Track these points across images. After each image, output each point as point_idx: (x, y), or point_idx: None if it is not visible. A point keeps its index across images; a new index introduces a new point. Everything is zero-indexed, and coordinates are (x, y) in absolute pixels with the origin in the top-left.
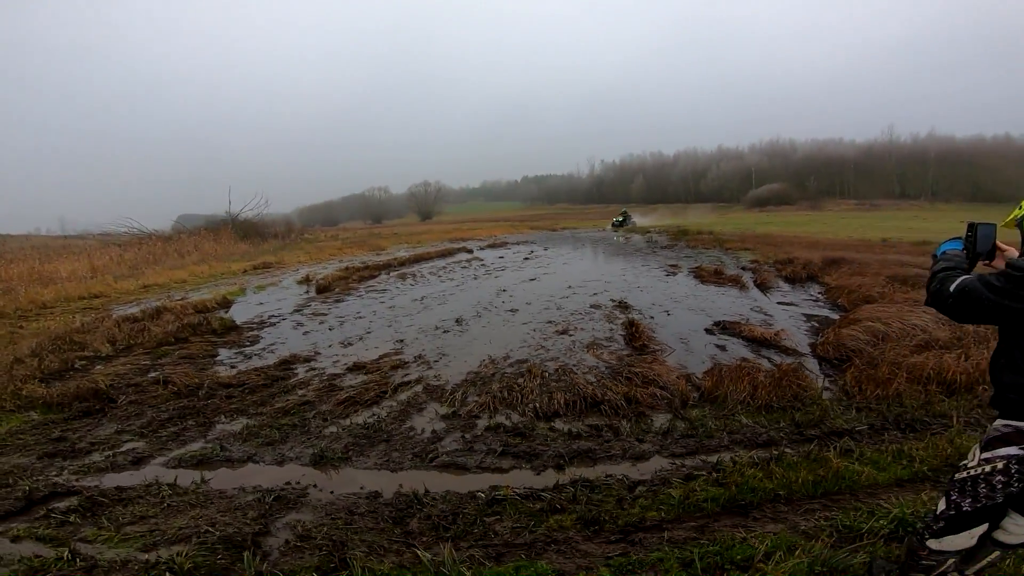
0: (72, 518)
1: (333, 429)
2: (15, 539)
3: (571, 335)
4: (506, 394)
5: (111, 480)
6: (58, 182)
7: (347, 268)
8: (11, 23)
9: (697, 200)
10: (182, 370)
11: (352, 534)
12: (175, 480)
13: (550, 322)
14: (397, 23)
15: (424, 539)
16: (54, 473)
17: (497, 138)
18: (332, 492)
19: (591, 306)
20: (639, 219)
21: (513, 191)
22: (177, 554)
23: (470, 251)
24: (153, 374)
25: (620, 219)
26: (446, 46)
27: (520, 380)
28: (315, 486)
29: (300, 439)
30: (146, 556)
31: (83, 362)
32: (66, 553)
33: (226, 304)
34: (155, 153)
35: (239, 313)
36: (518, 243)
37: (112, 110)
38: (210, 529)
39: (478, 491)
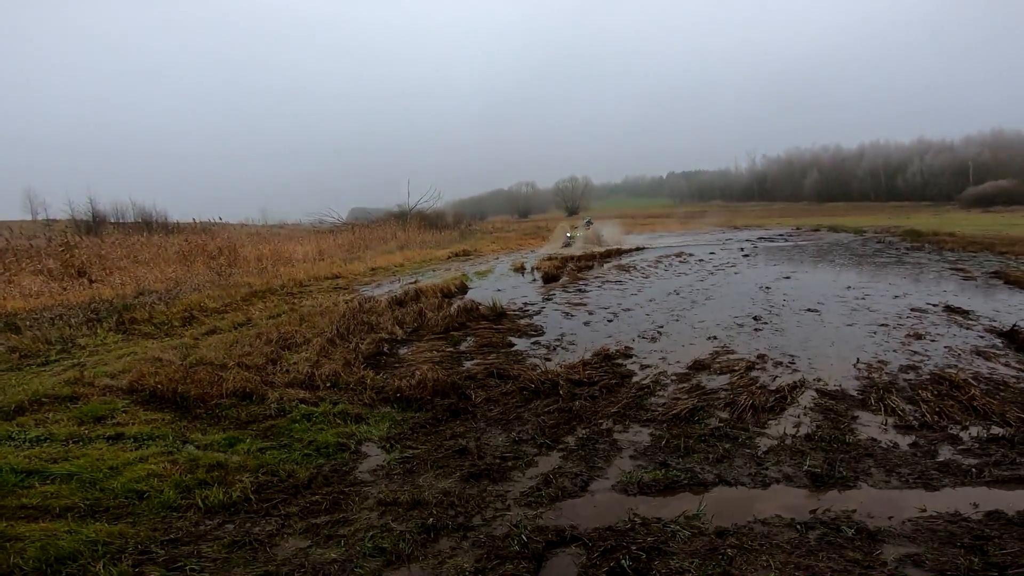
0: None
1: (768, 441)
2: None
3: (933, 340)
4: (949, 402)
5: (574, 514)
6: (257, 176)
7: (551, 258)
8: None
9: (890, 199)
10: (496, 359)
11: None
12: (679, 515)
13: (884, 325)
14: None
15: None
16: (499, 505)
17: (643, 132)
18: (891, 518)
19: (912, 309)
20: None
21: (658, 187)
22: None
23: (666, 246)
24: (470, 363)
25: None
26: (597, 37)
27: (941, 388)
28: (855, 511)
29: (746, 453)
30: None
31: (387, 345)
32: None
33: (464, 289)
34: (328, 150)
35: (482, 298)
36: (704, 241)
37: (290, 113)
38: None
39: None
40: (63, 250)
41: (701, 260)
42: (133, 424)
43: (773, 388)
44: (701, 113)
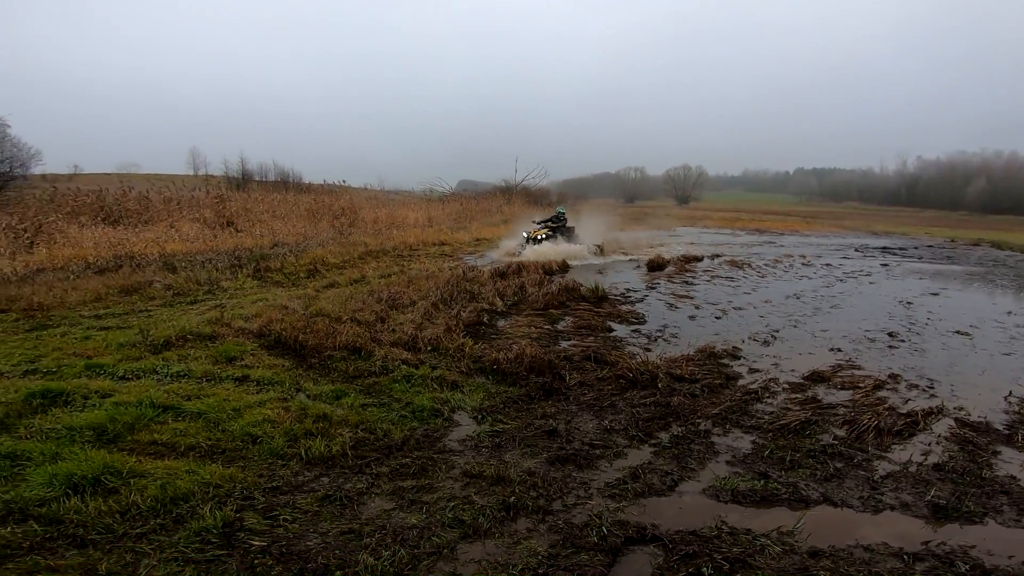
0: None
1: (889, 466)
2: None
3: None
4: None
5: (658, 513)
6: (375, 145)
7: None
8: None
9: None
10: (594, 343)
11: None
12: (771, 530)
13: None
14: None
15: None
16: (581, 492)
17: (768, 123)
18: (1011, 557)
19: None
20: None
21: (782, 183)
22: None
23: (782, 245)
24: (566, 343)
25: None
26: (720, 15)
27: None
28: (974, 547)
29: (860, 475)
30: None
31: (487, 316)
32: None
33: (565, 268)
34: (443, 126)
35: (583, 279)
36: (840, 245)
37: (410, 93)
38: None
39: None
40: (217, 202)
41: (828, 264)
42: (258, 367)
43: (904, 411)
44: (840, 106)
